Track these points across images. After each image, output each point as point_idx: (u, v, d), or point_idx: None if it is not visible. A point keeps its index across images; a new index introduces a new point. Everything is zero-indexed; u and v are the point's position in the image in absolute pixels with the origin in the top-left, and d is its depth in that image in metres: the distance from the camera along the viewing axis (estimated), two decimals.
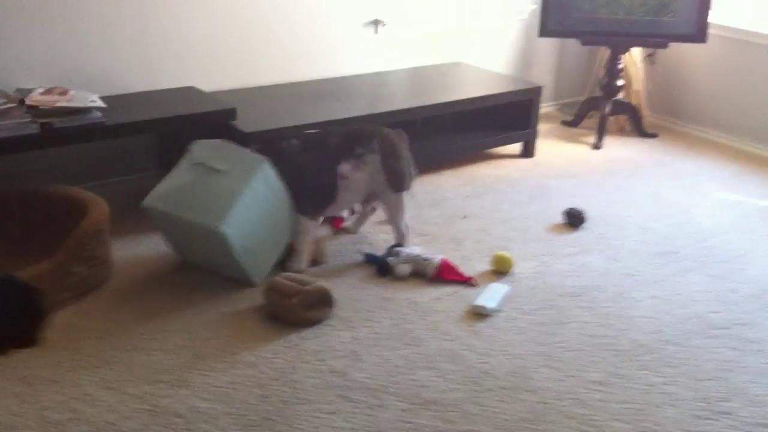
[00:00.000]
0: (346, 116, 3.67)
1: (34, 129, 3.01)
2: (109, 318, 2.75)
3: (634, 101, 5.03)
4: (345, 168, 3.13)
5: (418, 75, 4.55)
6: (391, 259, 3.12)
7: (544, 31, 4.68)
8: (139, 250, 3.24)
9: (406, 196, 3.26)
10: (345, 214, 3.56)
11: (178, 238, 3.07)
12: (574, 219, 3.63)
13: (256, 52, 4.01)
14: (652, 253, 3.39)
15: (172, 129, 3.32)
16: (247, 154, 3.00)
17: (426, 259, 3.10)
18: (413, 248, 3.22)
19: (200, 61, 3.83)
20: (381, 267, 3.13)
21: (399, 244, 3.23)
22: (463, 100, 4.12)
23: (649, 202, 3.94)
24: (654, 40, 4.66)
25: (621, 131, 5.08)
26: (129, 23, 3.58)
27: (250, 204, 2.89)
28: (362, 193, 3.23)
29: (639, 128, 4.99)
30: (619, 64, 4.82)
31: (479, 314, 2.86)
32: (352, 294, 2.97)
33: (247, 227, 2.88)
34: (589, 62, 5.38)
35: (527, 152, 4.55)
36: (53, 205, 3.10)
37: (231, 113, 3.45)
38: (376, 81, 4.35)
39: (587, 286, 3.09)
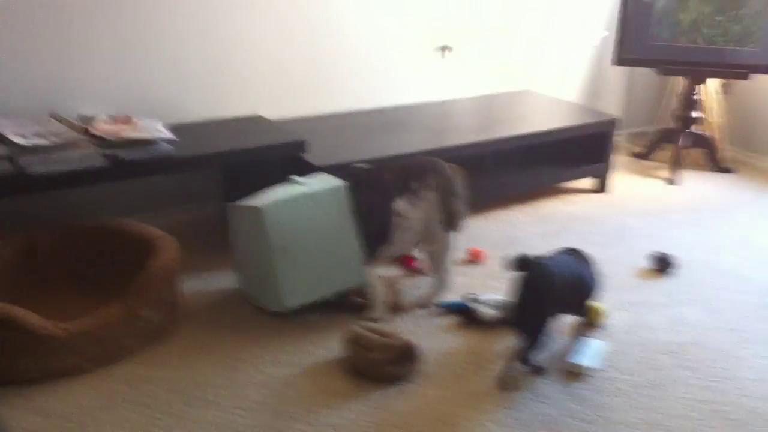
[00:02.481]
0: (414, 149, 3.48)
1: (100, 161, 2.85)
2: (179, 368, 2.56)
3: (709, 134, 4.79)
4: (401, 206, 2.94)
5: (486, 104, 4.35)
6: (473, 305, 2.92)
7: (620, 59, 4.47)
8: (208, 288, 3.07)
9: (454, 237, 3.05)
10: (416, 253, 3.37)
11: (240, 245, 2.93)
12: (662, 264, 3.40)
13: (322, 79, 3.85)
14: (752, 305, 3.15)
15: (240, 162, 3.14)
16: (331, 177, 2.94)
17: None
18: (490, 294, 3.00)
19: (267, 88, 3.67)
20: (463, 313, 2.92)
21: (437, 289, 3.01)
22: (536, 134, 3.91)
23: (739, 246, 3.70)
24: (735, 71, 4.42)
25: (695, 165, 4.84)
26: (195, 48, 3.43)
27: (305, 208, 2.80)
28: (418, 232, 3.02)
29: (715, 162, 4.76)
30: (696, 94, 4.59)
31: (574, 373, 2.64)
32: (436, 347, 2.76)
33: (292, 226, 2.77)
34: (660, 91, 5.16)
35: (601, 187, 4.33)
36: (121, 241, 2.94)
37: (300, 145, 3.27)
38: (443, 110, 4.16)
39: (686, 342, 2.86)
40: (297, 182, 2.90)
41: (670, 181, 4.53)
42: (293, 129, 3.48)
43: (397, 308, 2.97)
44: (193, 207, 3.58)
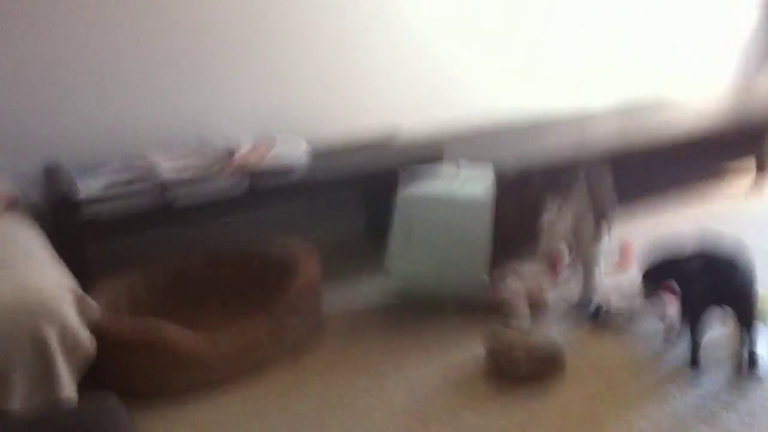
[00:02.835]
0: (561, 154, 3.41)
1: (243, 189, 2.98)
2: (325, 376, 2.60)
3: None
4: (549, 216, 2.89)
5: (630, 110, 4.20)
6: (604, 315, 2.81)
7: None
8: (349, 303, 3.12)
9: (604, 239, 2.94)
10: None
11: (418, 238, 2.91)
12: None
13: (457, 86, 3.88)
14: None
15: (378, 183, 3.21)
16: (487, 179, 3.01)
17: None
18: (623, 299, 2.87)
19: (403, 100, 3.75)
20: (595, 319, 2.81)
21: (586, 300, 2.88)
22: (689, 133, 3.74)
23: None
24: None
25: None
26: (330, 65, 3.56)
27: (443, 208, 2.90)
28: (565, 235, 2.94)
29: None
30: None
31: (739, 365, 2.47)
32: (581, 347, 2.67)
33: (423, 217, 2.88)
34: None
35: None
36: (265, 261, 3.04)
37: (438, 159, 3.28)
38: (582, 118, 4.06)
39: None
40: (452, 172, 3.01)
41: None
42: (430, 143, 3.51)
43: (539, 305, 2.90)
44: (334, 231, 3.66)
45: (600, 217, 2.91)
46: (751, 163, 4.03)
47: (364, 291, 3.19)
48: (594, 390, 2.41)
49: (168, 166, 3.01)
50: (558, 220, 2.89)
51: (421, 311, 2.97)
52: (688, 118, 3.97)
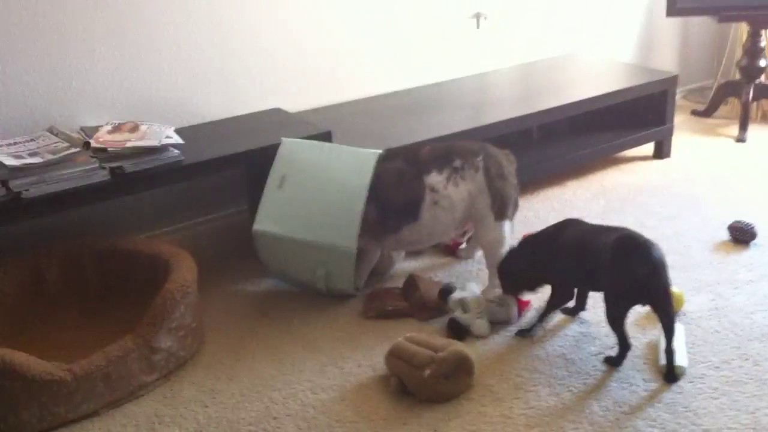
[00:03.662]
0: (451, 131, 3.12)
1: (103, 176, 2.56)
2: (205, 403, 2.26)
3: None
4: (435, 179, 2.61)
5: (528, 72, 3.97)
6: (458, 315, 2.54)
7: (673, 9, 4.05)
8: (232, 304, 2.76)
9: (507, 228, 2.70)
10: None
11: (288, 261, 2.70)
12: (742, 234, 3.01)
13: (343, 62, 3.50)
14: None
15: (260, 161, 2.83)
16: (350, 153, 2.71)
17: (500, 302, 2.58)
18: (469, 288, 2.64)
19: (283, 78, 3.33)
20: (452, 327, 2.53)
21: (449, 288, 2.62)
22: (586, 100, 3.52)
23: None
24: None
25: (764, 119, 4.40)
26: (203, 43, 3.10)
27: (324, 155, 2.72)
28: (456, 216, 2.68)
29: None
30: (761, 42, 4.15)
31: (664, 373, 2.28)
32: (489, 353, 2.43)
33: (301, 163, 2.70)
34: (718, 41, 4.73)
35: (661, 152, 3.93)
36: (133, 262, 2.65)
37: (326, 137, 2.94)
38: (481, 84, 3.80)
39: None
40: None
41: (739, 139, 4.11)
42: (315, 120, 3.16)
43: (433, 306, 2.64)
44: (212, 216, 3.27)
45: (503, 201, 2.65)
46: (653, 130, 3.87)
47: (249, 288, 2.84)
48: (512, 406, 2.17)
49: (10, 151, 2.55)
50: (448, 195, 2.61)
51: (312, 314, 2.66)
52: (594, 76, 3.76)
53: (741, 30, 4.40)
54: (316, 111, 3.36)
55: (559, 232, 2.42)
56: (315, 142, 2.75)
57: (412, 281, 2.72)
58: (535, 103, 3.46)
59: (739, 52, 4.33)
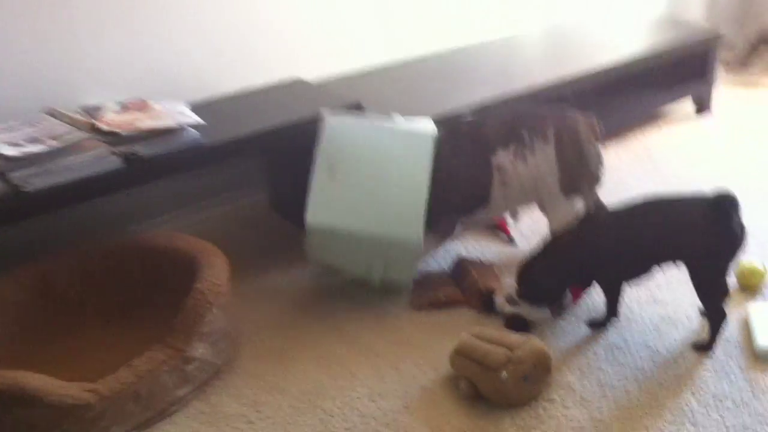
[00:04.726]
0: (485, 99, 2.83)
1: (113, 164, 2.26)
2: (248, 416, 1.98)
3: None
4: (503, 157, 2.33)
5: (560, 34, 3.64)
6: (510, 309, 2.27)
7: None
8: (267, 297, 2.48)
9: (579, 205, 2.42)
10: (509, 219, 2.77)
11: (342, 254, 2.37)
12: None
13: (366, 26, 3.18)
14: None
15: (283, 142, 2.54)
16: (405, 132, 2.37)
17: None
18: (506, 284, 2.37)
19: (303, 45, 3.02)
20: (512, 323, 2.25)
21: (489, 296, 2.32)
22: (626, 63, 3.21)
23: None
24: None
25: None
26: (215, 6, 2.78)
27: (377, 139, 2.37)
28: (526, 193, 2.41)
29: None
30: None
31: (761, 360, 2.04)
32: (561, 344, 2.17)
33: (352, 150, 2.35)
34: None
35: (702, 108, 3.65)
36: (155, 262, 2.36)
37: (356, 109, 2.65)
38: (511, 48, 3.47)
39: None
40: (392, 119, 2.42)
41: None
42: (338, 90, 2.85)
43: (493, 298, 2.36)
44: (237, 197, 2.99)
45: (574, 174, 2.37)
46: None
47: (282, 284, 2.56)
48: (600, 406, 1.92)
49: (5, 139, 2.25)
50: (517, 172, 2.34)
51: (357, 309, 2.39)
52: (628, 35, 3.47)
53: None
54: (339, 80, 3.05)
55: (613, 220, 2.14)
56: (362, 120, 2.43)
57: (462, 266, 2.46)
58: (573, 66, 3.15)
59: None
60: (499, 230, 2.75)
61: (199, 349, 2.07)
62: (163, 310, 2.21)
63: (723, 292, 2.03)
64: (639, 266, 2.11)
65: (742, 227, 1.98)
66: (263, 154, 2.94)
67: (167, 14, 2.69)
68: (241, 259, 2.64)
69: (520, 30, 3.65)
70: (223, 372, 2.14)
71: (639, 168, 3.17)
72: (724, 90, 3.92)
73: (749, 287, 2.31)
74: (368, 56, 3.20)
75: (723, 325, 2.05)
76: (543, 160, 2.35)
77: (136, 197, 2.68)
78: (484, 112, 2.67)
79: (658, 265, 2.10)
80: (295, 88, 2.87)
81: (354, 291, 2.47)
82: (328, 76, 3.07)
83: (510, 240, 2.70)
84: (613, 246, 2.09)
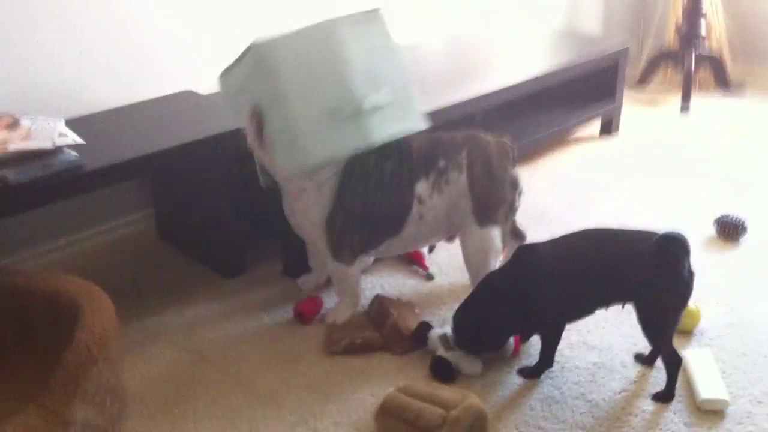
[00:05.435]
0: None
1: None
2: None
3: (716, 49, 4.09)
4: (422, 187, 2.13)
5: (457, 46, 3.43)
6: (442, 354, 2.05)
7: None
8: (153, 345, 2.18)
9: (496, 234, 2.23)
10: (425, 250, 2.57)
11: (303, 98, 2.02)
12: (731, 230, 2.68)
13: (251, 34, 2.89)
14: None
15: (179, 160, 2.25)
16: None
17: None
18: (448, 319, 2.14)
19: (194, 54, 2.72)
20: (438, 368, 2.05)
21: (426, 326, 2.13)
22: (534, 80, 3.03)
23: None
24: None
25: (700, 87, 4.14)
26: (92, 17, 2.44)
27: (323, 38, 2.01)
28: (439, 227, 2.21)
29: (724, 81, 4.06)
30: (702, 7, 3.86)
31: (707, 411, 1.91)
32: (493, 397, 1.98)
33: (307, 61, 1.98)
34: (641, 5, 4.42)
35: (610, 129, 3.57)
36: (24, 304, 2.01)
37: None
38: (408, 59, 3.25)
39: None
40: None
41: (684, 109, 3.83)
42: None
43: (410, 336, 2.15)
44: (108, 226, 2.66)
45: (487, 203, 2.18)
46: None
47: (174, 325, 2.27)
48: None
49: None
50: (431, 204, 2.15)
51: (262, 354, 2.13)
52: (528, 50, 3.33)
53: None
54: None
55: (544, 258, 1.97)
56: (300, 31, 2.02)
57: (381, 306, 2.24)
58: (477, 85, 2.94)
59: (665, 17, 4.05)
60: (414, 264, 2.54)
61: (81, 411, 1.75)
62: (36, 363, 1.89)
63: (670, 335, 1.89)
64: (583, 305, 1.94)
65: (691, 273, 1.85)
66: (151, 176, 2.62)
67: (42, 20, 2.33)
68: (126, 297, 2.35)
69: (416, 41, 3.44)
70: None
71: (553, 192, 3.03)
72: (631, 108, 3.86)
73: (683, 329, 2.18)
74: None
75: (678, 370, 1.92)
76: (456, 189, 2.16)
77: (2, 227, 2.32)
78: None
79: (605, 305, 1.94)
80: (186, 100, 2.56)
81: (254, 332, 2.20)
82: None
83: (427, 275, 2.49)
84: (555, 282, 1.91)
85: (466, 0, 3.65)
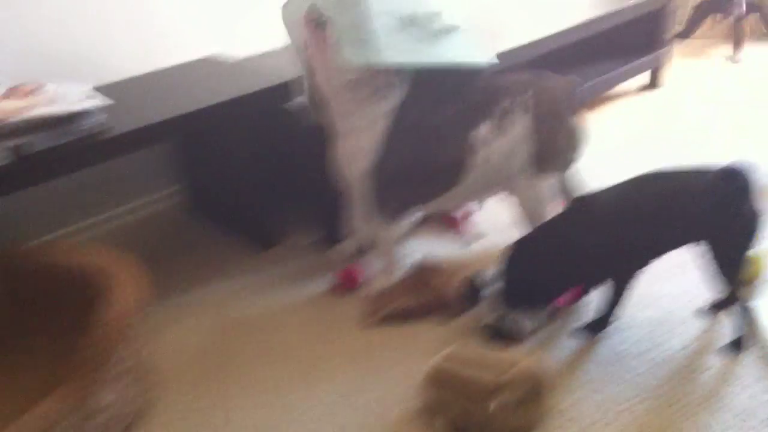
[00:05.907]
0: None
1: (2, 159, 1.83)
2: None
3: None
4: (483, 130, 1.99)
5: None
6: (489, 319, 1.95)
7: None
8: (182, 323, 2.09)
9: (553, 184, 2.08)
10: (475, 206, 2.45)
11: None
12: None
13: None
14: None
15: (207, 123, 2.15)
16: None
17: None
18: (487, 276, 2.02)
19: (218, 22, 2.61)
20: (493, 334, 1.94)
21: (477, 283, 2.01)
22: (576, 28, 2.88)
23: None
24: None
25: (752, 35, 3.95)
26: None
27: None
28: (498, 175, 2.05)
29: None
30: None
31: None
32: (564, 363, 1.86)
33: None
34: None
35: (654, 82, 3.40)
36: (49, 281, 1.94)
37: (282, 91, 2.25)
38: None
39: None
40: None
41: (733, 60, 3.65)
42: (262, 69, 2.44)
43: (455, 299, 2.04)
44: (145, 201, 2.58)
45: (548, 148, 2.04)
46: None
47: (207, 299, 2.18)
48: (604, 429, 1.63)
49: None
50: (492, 147, 2.00)
51: (297, 326, 2.03)
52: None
53: None
54: (255, 58, 2.62)
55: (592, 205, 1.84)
56: None
57: (422, 270, 2.12)
58: (518, 36, 2.80)
59: None
60: (450, 228, 2.41)
61: (106, 398, 1.67)
62: (60, 341, 1.81)
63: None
64: (650, 249, 1.81)
65: (756, 209, 1.70)
66: (181, 145, 2.53)
67: None
68: (160, 272, 2.27)
69: None
70: (137, 423, 1.75)
71: (601, 149, 2.90)
72: (678, 60, 3.70)
73: (747, 278, 2.04)
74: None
75: (751, 316, 1.79)
76: (519, 131, 2.01)
77: (29, 202, 2.25)
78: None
79: (672, 247, 1.80)
80: (210, 66, 2.46)
81: (298, 305, 2.11)
82: (241, 53, 2.66)
83: (464, 240, 2.37)
84: (619, 226, 1.78)
85: None
